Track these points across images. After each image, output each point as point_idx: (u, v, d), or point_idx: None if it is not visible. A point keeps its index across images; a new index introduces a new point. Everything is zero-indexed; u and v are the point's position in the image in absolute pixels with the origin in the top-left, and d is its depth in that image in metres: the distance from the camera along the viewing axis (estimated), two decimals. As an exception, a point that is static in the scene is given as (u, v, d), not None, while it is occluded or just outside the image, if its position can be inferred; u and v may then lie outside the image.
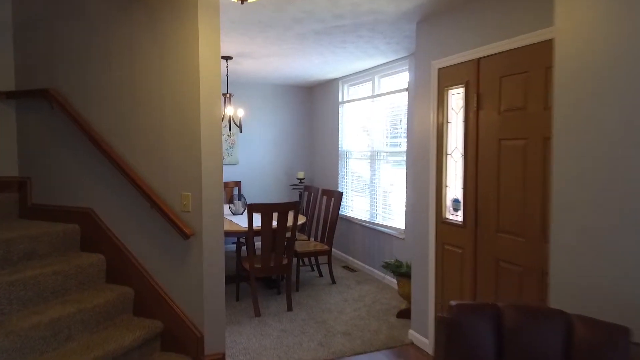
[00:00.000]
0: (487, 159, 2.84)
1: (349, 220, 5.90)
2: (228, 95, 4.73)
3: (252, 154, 6.73)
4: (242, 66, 5.26)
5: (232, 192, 6.43)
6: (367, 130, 5.66)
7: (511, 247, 2.68)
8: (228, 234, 4.22)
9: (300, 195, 6.49)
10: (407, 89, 4.71)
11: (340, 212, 5.43)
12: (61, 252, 3.01)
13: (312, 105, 7.03)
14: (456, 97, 3.15)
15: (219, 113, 2.95)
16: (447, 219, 3.23)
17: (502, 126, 2.74)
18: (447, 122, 3.21)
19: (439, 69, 3.25)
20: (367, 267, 5.51)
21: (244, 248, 4.61)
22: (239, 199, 5.18)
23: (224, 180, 6.52)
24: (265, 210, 3.98)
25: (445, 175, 3.23)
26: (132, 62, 2.97)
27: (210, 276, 2.92)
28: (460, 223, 3.08)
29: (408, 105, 4.68)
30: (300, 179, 6.65)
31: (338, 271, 5.53)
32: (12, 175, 3.34)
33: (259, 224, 4.05)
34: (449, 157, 3.22)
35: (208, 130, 2.89)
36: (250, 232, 4.03)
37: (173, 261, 2.95)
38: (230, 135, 6.54)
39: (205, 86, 2.85)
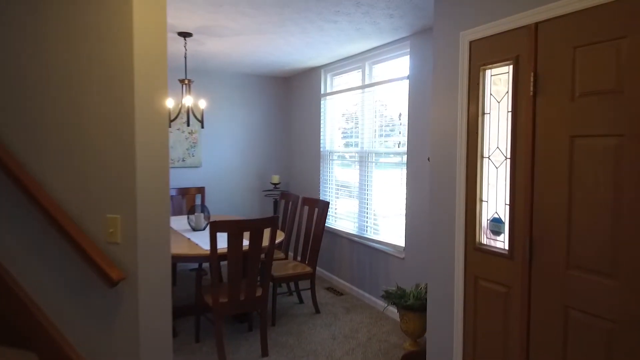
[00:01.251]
0: (551, 164, 2.01)
1: (334, 233, 5.02)
2: (187, 82, 3.76)
3: (218, 155, 5.75)
4: (206, 47, 4.29)
5: (193, 200, 5.44)
6: (356, 127, 4.79)
7: (592, 292, 1.86)
8: (185, 258, 3.26)
9: (275, 204, 5.56)
10: (407, 77, 3.87)
11: (323, 225, 4.53)
12: None
13: (289, 99, 6.11)
14: (498, 80, 2.31)
15: (164, 103, 2.00)
16: (483, 244, 2.39)
17: (577, 118, 1.91)
18: (484, 113, 2.37)
19: (472, 42, 2.41)
20: (356, 289, 4.64)
21: (207, 276, 3.65)
22: (202, 211, 4.21)
23: (184, 186, 5.52)
24: (233, 229, 3.05)
25: (480, 185, 2.39)
26: (38, 32, 1.98)
27: (151, 338, 1.97)
28: (504, 252, 2.25)
29: (409, 96, 3.84)
30: (275, 184, 5.72)
31: (322, 294, 4.64)
32: None
33: (226, 245, 3.11)
34: (485, 160, 2.38)
35: (146, 125, 1.94)
36: (214, 257, 3.08)
37: (95, 318, 1.98)
38: (191, 133, 5.55)
39: (142, 67, 1.90)
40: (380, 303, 4.20)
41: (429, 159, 3.46)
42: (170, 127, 3.90)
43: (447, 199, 2.59)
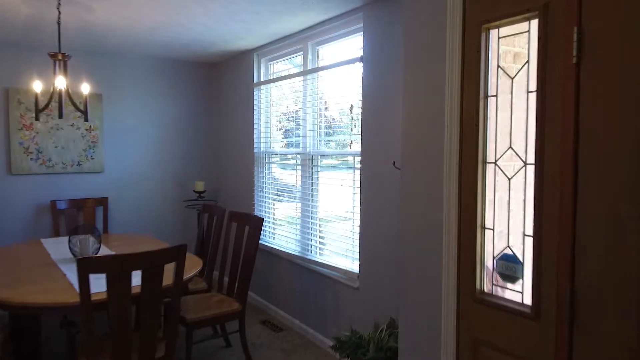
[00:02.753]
0: (611, 172, 1.24)
1: (271, 253, 4.11)
2: (60, 57, 2.69)
3: (125, 157, 4.64)
4: (97, 17, 3.23)
5: (93, 215, 4.32)
6: (297, 124, 3.92)
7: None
8: (42, 309, 2.22)
9: (199, 217, 4.55)
10: (361, 59, 3.04)
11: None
12: None
13: (217, 89, 5.12)
14: (511, 44, 1.52)
15: None
16: (488, 294, 1.59)
17: (662, 97, 1.15)
18: (487, 96, 1.57)
19: (467, -11, 1.61)
20: (298, 323, 3.75)
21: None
22: (93, 232, 3.15)
23: (80, 197, 4.38)
24: (115, 268, 2.06)
25: (482, 204, 1.59)
26: None
27: None
28: (524, 308, 1.46)
29: (363, 83, 3.02)
30: (200, 192, 4.71)
31: (256, 330, 3.71)
32: None
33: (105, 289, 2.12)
34: (491, 167, 1.58)
35: None
36: (86, 306, 2.08)
37: None
38: (89, 129, 4.41)
39: None
40: (329, 342, 3.34)
41: (394, 164, 2.65)
42: (37, 118, 2.81)
43: (427, 224, 1.77)
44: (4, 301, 2.20)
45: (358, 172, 3.11)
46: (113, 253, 3.14)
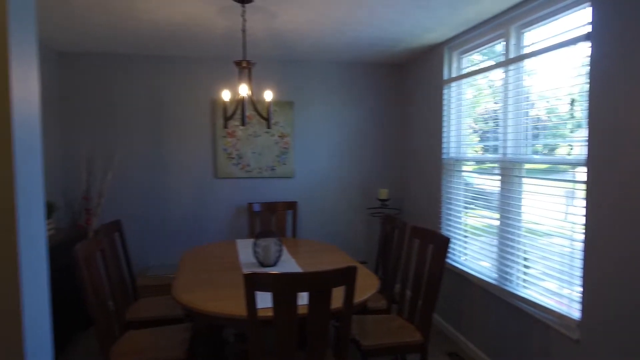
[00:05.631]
0: None
1: (460, 276, 3.57)
2: (244, 65, 2.72)
3: (313, 163, 4.69)
4: (282, 23, 3.23)
5: (284, 218, 4.45)
6: (495, 124, 3.30)
7: None
8: (214, 317, 2.20)
9: (381, 226, 4.29)
10: (588, 38, 2.30)
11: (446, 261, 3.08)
12: None
13: (401, 90, 4.79)
14: None
15: None
16: None
17: None
18: None
19: None
20: (491, 362, 3.14)
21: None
22: (275, 238, 3.15)
23: (272, 201, 4.56)
24: (280, 287, 1.89)
25: None
26: None
27: None
28: None
29: (592, 70, 2.27)
30: (383, 200, 4.45)
31: (439, 364, 3.25)
32: None
33: (272, 305, 1.98)
34: None
35: None
36: (252, 322, 1.97)
37: None
38: (282, 136, 4.57)
39: None
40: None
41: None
42: (226, 126, 2.91)
43: None
44: (186, 305, 2.26)
45: (578, 187, 2.37)
46: (293, 261, 3.10)
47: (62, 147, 4.14)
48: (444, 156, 3.88)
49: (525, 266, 2.90)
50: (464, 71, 3.73)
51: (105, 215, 4.18)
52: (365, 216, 4.77)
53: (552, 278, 2.63)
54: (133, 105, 4.28)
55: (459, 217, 3.70)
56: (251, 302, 1.93)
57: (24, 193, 0.91)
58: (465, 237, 3.65)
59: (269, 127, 2.83)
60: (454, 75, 3.82)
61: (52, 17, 3.05)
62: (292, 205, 4.54)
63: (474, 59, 3.66)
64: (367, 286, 2.53)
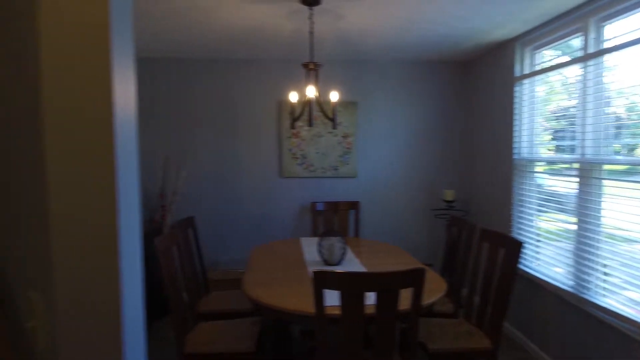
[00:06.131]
0: None
1: (532, 281, 3.42)
2: (312, 67, 2.77)
3: (376, 163, 4.68)
4: (348, 23, 3.26)
5: (346, 218, 4.47)
6: (571, 123, 3.12)
7: None
8: (282, 313, 2.27)
9: (447, 228, 4.20)
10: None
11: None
12: None
13: (468, 89, 4.65)
14: None
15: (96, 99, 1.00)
16: None
17: None
18: None
19: None
20: (566, 374, 2.98)
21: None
22: (339, 237, 3.18)
23: (335, 200, 4.60)
24: (348, 286, 1.92)
25: None
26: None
27: None
28: None
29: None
30: (449, 202, 4.35)
31: (508, 372, 3.12)
32: None
33: (339, 303, 2.01)
34: None
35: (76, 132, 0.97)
36: (320, 319, 2.01)
37: None
38: (345, 136, 4.60)
39: (57, 34, 0.95)
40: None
41: None
42: (293, 127, 2.97)
43: None
44: (255, 299, 2.35)
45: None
46: (357, 261, 3.12)
47: (140, 147, 4.43)
48: (515, 156, 3.73)
49: (605, 273, 2.73)
50: (537, 68, 3.56)
51: (178, 212, 4.42)
52: (429, 217, 4.69)
53: (636, 287, 2.45)
54: (204, 108, 4.49)
55: (531, 220, 3.53)
56: (319, 299, 1.97)
57: (124, 192, 0.99)
58: (538, 241, 3.48)
59: (334, 127, 2.87)
60: (526, 72, 3.65)
61: (134, 26, 3.27)
62: (354, 205, 4.56)
63: (547, 55, 3.49)
64: (434, 289, 2.49)
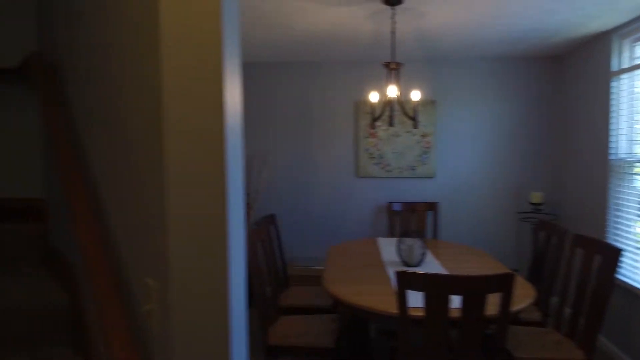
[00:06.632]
0: None
1: (630, 292, 3.16)
2: (393, 66, 2.77)
3: (456, 163, 4.55)
4: (430, 21, 3.21)
5: (424, 219, 4.41)
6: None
7: None
8: (362, 311, 2.29)
9: (534, 233, 3.99)
10: None
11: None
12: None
13: (557, 86, 4.38)
14: None
15: (221, 101, 1.08)
16: None
17: None
18: None
19: None
20: (671, 396, 2.72)
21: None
22: (419, 238, 3.14)
23: (412, 201, 4.55)
24: (433, 288, 1.90)
25: None
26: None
27: None
28: None
29: None
30: (537, 205, 4.13)
31: (603, 389, 2.91)
32: (32, 196, 2.20)
33: (423, 305, 1.99)
34: None
35: (187, 135, 1.06)
36: (403, 320, 2.01)
37: None
38: (424, 136, 4.53)
39: (176, 45, 1.04)
40: None
41: None
42: (373, 127, 2.99)
43: None
44: (337, 296, 2.40)
45: None
46: (437, 263, 3.07)
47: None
48: (612, 157, 3.46)
49: None
50: (638, 61, 3.27)
51: (259, 210, 4.60)
52: (514, 220, 4.48)
53: None
54: (284, 109, 4.63)
55: (630, 226, 3.26)
56: (402, 300, 1.97)
57: (233, 189, 1.07)
58: (638, 248, 3.21)
59: (415, 127, 2.85)
60: (624, 66, 3.38)
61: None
62: (432, 206, 4.47)
63: (653, 46, 3.20)
64: (522, 296, 2.39)
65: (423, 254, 3.04)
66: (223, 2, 1.02)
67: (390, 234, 4.44)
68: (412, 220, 4.44)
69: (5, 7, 2.18)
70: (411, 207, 4.45)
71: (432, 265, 3.01)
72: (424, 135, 4.54)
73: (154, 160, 1.10)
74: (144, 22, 1.12)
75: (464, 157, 4.54)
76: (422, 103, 4.49)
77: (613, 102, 3.45)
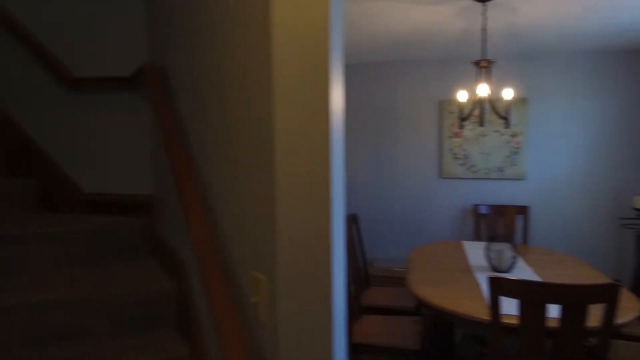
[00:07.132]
0: None
1: None
2: (484, 65, 2.68)
3: (549, 165, 4.29)
4: (521, 17, 3.06)
5: (513, 222, 4.21)
6: None
7: None
8: (449, 315, 2.25)
9: (638, 241, 3.65)
10: None
11: None
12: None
13: (673, 80, 3.97)
14: None
15: (325, 103, 1.13)
16: None
17: None
18: None
19: None
20: None
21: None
22: (510, 243, 3.02)
23: (501, 204, 4.37)
24: (526, 295, 1.83)
25: None
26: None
27: None
28: None
29: None
30: (641, 210, 3.79)
31: None
32: (144, 193, 2.43)
33: (517, 312, 1.92)
34: None
35: (296, 137, 1.12)
36: (496, 326, 1.95)
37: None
38: (514, 135, 4.32)
39: (287, 41, 1.10)
40: None
41: None
42: (462, 127, 2.92)
43: None
44: (422, 298, 2.38)
45: None
46: (529, 270, 2.93)
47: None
48: None
49: None
50: None
51: (341, 208, 4.67)
52: (614, 227, 4.14)
53: None
54: (367, 109, 4.66)
55: None
56: (495, 306, 1.92)
57: (336, 190, 1.12)
58: None
59: (507, 126, 2.74)
60: None
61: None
62: (523, 210, 4.25)
63: None
64: (625, 308, 2.22)
65: (514, 260, 2.92)
66: (331, 5, 1.07)
67: (476, 237, 4.30)
68: (500, 224, 4.26)
69: (121, 26, 2.43)
70: (499, 210, 4.27)
71: (524, 272, 2.88)
72: (513, 135, 4.33)
73: (263, 164, 1.18)
74: (253, 28, 1.20)
75: (557, 158, 4.27)
76: (513, 101, 4.28)
77: None
